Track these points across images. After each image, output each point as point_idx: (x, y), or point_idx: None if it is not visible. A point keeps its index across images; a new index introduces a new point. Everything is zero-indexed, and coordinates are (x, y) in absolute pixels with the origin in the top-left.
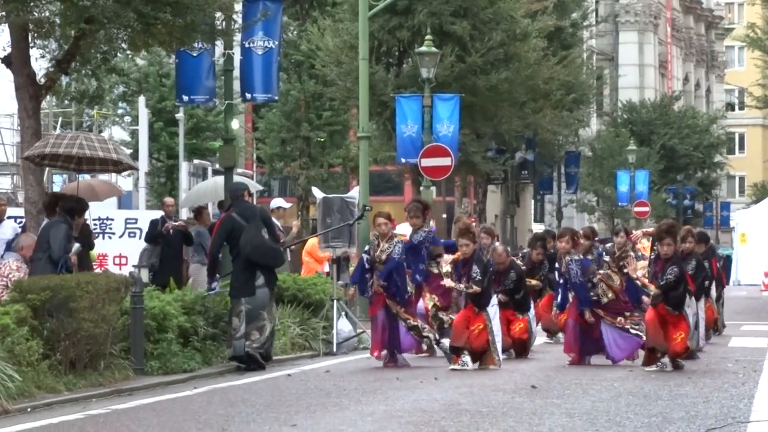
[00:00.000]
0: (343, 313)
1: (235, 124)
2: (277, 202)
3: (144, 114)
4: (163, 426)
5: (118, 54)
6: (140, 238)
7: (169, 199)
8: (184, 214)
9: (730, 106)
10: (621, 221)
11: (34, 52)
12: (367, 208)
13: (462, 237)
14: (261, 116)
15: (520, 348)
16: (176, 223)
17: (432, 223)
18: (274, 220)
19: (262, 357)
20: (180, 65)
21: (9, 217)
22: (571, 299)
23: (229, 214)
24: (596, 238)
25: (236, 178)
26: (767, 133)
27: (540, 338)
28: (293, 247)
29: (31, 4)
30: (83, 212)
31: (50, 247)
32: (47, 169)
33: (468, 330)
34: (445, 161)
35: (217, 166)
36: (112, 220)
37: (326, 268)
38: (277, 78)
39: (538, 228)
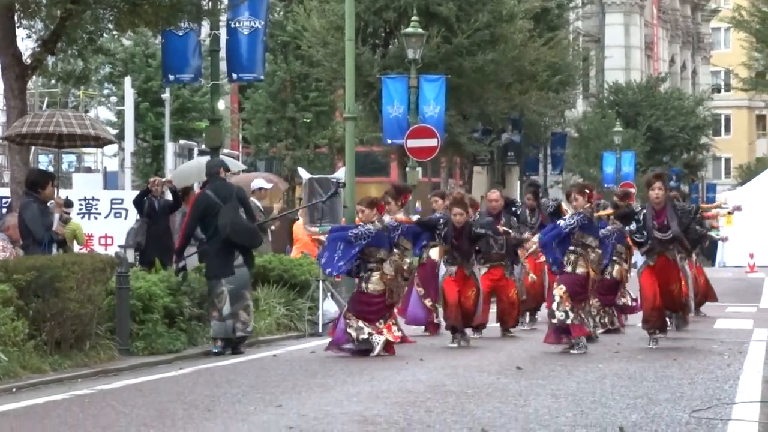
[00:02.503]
0: (328, 294)
1: (221, 104)
2: (258, 182)
3: (130, 94)
4: (149, 406)
5: (104, 34)
6: (126, 218)
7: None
8: (168, 195)
9: (716, 88)
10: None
11: (20, 32)
12: (340, 184)
13: (456, 206)
14: (247, 97)
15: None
16: (164, 180)
17: (417, 204)
18: (254, 200)
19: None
20: (166, 45)
21: None
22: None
23: (204, 191)
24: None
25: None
26: (753, 114)
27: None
28: (274, 227)
29: None
30: (46, 183)
31: (30, 230)
32: (33, 148)
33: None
34: (431, 142)
35: (203, 146)
36: (98, 200)
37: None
38: (263, 58)
39: None
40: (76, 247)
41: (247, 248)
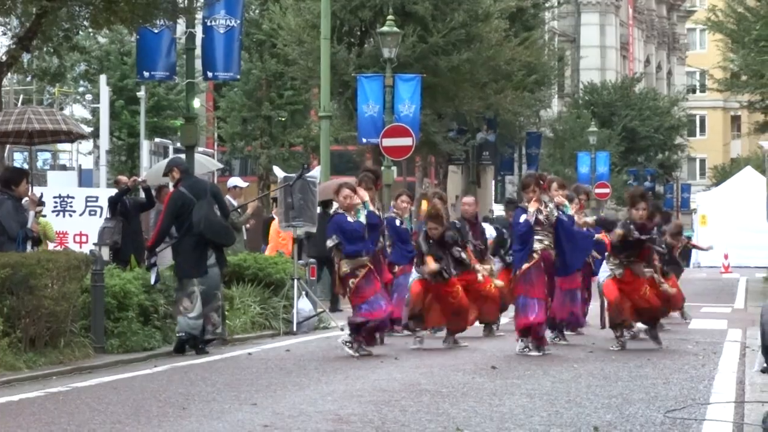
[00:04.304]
0: (303, 293)
1: (196, 102)
2: (233, 181)
3: (105, 92)
4: (123, 404)
5: (80, 32)
6: (101, 216)
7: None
8: (141, 193)
9: (691, 89)
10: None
11: None
12: (305, 166)
13: (431, 221)
14: (222, 95)
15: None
16: (140, 180)
17: (392, 204)
18: (229, 198)
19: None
20: (141, 41)
21: None
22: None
23: (178, 189)
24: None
25: (197, 157)
26: (727, 115)
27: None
28: (249, 225)
29: None
30: (20, 181)
31: (4, 227)
32: (7, 146)
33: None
34: (406, 141)
35: (178, 144)
36: (73, 198)
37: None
38: (239, 56)
39: (498, 209)
40: (50, 246)
41: (220, 246)
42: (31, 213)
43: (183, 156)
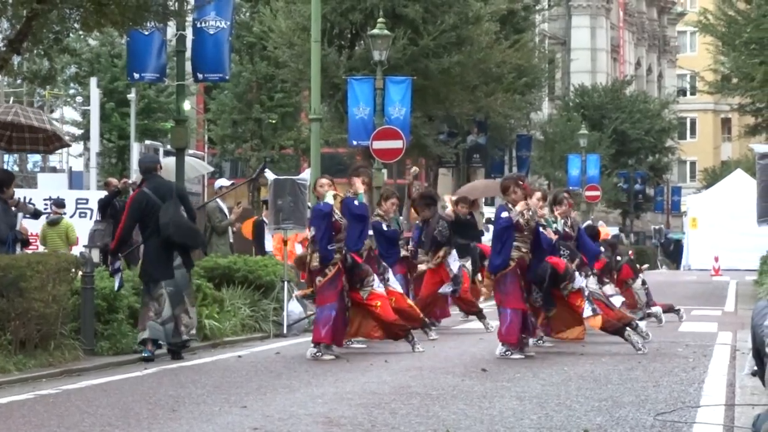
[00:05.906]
0: (293, 295)
1: (186, 105)
2: (220, 182)
3: (95, 94)
4: (113, 406)
5: (71, 34)
6: (91, 218)
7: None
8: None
9: (681, 92)
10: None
11: None
12: (266, 161)
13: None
14: (213, 97)
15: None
16: (130, 182)
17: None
18: (218, 201)
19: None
20: (131, 43)
21: None
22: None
23: (141, 189)
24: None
25: (188, 160)
26: (718, 118)
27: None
28: (235, 228)
29: None
30: (11, 183)
31: None
32: None
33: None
34: (397, 144)
35: (169, 147)
36: (63, 200)
37: (298, 249)
38: (229, 58)
39: (489, 212)
40: (75, 249)
41: (186, 249)
42: (20, 215)
43: (173, 158)
